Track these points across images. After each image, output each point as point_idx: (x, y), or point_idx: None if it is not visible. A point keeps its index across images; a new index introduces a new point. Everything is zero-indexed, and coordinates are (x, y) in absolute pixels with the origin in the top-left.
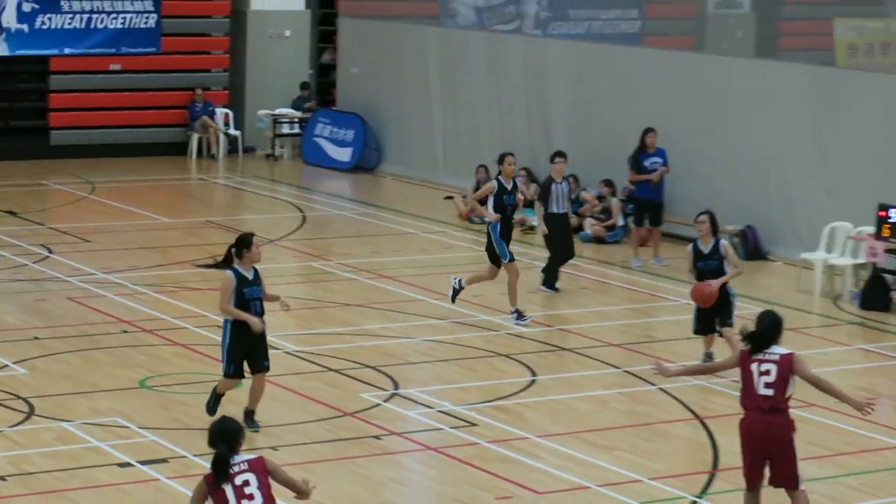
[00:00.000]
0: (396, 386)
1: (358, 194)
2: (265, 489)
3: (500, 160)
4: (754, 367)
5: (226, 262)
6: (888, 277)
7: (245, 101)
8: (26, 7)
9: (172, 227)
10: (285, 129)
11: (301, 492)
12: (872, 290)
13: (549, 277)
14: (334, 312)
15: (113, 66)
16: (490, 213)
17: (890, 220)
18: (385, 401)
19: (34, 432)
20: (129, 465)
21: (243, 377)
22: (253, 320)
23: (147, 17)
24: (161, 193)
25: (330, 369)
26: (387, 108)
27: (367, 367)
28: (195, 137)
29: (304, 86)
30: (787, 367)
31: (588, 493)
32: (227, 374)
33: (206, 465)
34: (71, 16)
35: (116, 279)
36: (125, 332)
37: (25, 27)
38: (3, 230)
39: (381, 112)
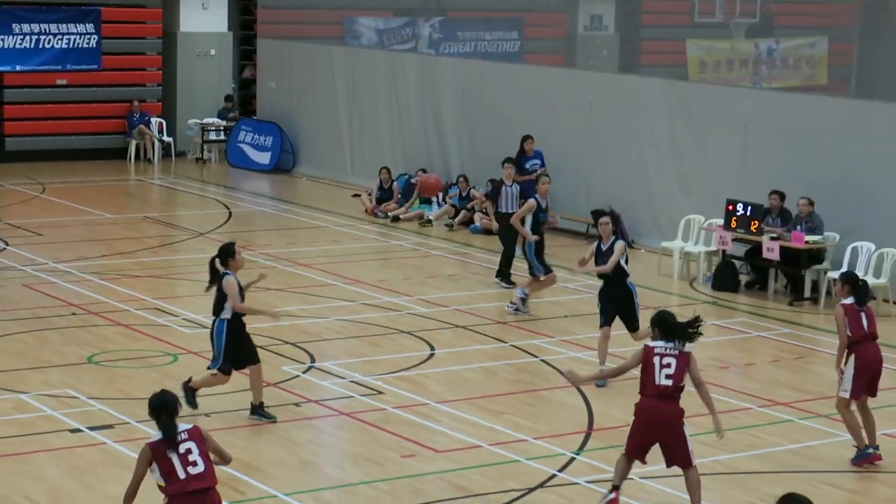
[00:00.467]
0: (313, 360)
1: (276, 192)
2: (205, 457)
3: (536, 181)
4: (657, 360)
5: (215, 274)
6: (736, 262)
7: (176, 112)
8: None
9: (114, 222)
10: (212, 136)
11: (226, 459)
12: (723, 274)
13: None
14: (257, 296)
15: (60, 81)
16: (529, 235)
17: (737, 213)
18: (303, 373)
19: None
20: (79, 430)
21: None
22: (271, 311)
23: (89, 38)
24: (103, 193)
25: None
26: (300, 118)
27: (287, 343)
28: (133, 143)
29: (228, 98)
30: (685, 363)
31: (480, 451)
32: (221, 371)
33: (147, 430)
34: (22, 37)
35: (66, 268)
36: (74, 314)
37: None
38: None
39: (296, 121)
